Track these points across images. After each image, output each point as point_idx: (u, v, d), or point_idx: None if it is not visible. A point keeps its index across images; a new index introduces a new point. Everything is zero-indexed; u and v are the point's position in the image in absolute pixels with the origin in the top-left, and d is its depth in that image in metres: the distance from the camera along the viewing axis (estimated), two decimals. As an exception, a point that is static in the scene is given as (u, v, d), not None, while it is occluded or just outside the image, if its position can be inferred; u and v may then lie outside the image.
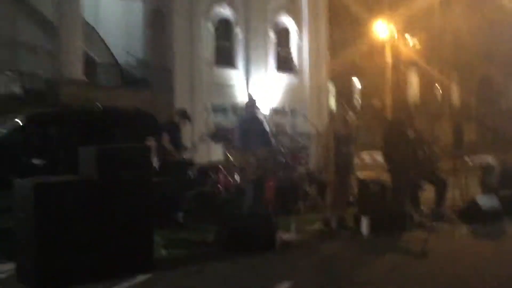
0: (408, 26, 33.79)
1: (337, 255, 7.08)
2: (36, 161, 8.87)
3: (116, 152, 5.98)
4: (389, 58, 33.69)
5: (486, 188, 10.55)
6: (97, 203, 5.68)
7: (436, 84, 33.20)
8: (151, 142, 8.97)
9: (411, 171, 9.30)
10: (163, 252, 6.81)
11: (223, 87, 22.38)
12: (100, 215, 5.69)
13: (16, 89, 17.53)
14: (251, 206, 8.15)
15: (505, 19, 31.98)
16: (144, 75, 22.01)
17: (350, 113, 8.88)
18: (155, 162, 8.43)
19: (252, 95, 9.37)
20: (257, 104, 8.69)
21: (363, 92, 36.44)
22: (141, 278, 5.77)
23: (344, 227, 8.33)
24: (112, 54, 21.47)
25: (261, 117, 8.73)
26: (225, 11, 22.71)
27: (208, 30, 22.09)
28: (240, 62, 23.00)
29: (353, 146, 8.59)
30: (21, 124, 9.35)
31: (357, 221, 8.22)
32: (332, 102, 34.87)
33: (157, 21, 22.19)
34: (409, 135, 9.37)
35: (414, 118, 10.26)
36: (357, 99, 36.48)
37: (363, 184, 10.20)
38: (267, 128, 8.73)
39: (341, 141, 8.41)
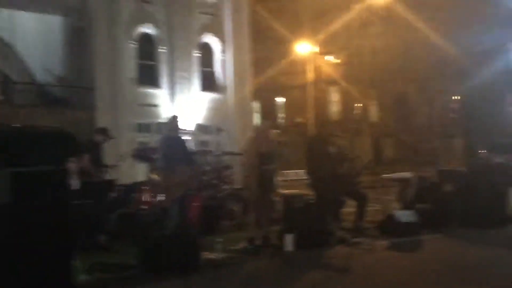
0: (329, 46, 34.88)
1: (261, 273, 7.11)
2: None
3: (30, 175, 5.74)
4: (311, 77, 34.56)
5: (404, 203, 10.92)
6: (9, 227, 5.43)
7: (356, 102, 34.27)
8: (72, 164, 8.71)
9: (333, 187, 9.53)
10: (85, 277, 6.59)
11: (147, 107, 22.11)
12: (16, 241, 5.44)
13: None
14: (175, 226, 8.04)
15: (417, 39, 33.59)
16: (64, 94, 21.39)
17: (273, 130, 9.00)
18: (76, 184, 8.16)
19: (175, 115, 9.27)
20: (179, 124, 8.61)
21: (286, 109, 37.08)
22: (60, 305, 5.55)
23: (268, 245, 8.38)
24: (29, 72, 20.73)
25: (183, 136, 8.67)
26: (149, 30, 22.53)
27: (131, 49, 21.80)
28: (164, 81, 22.83)
29: (276, 163, 8.68)
30: None
31: (282, 238, 8.29)
32: (257, 120, 35.29)
33: (78, 38, 21.69)
34: (329, 151, 9.62)
35: (335, 134, 10.56)
36: (281, 117, 37.08)
37: (287, 200, 10.35)
38: (190, 147, 8.70)
39: (264, 158, 8.50)
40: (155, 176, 8.72)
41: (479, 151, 15.69)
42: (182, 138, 8.62)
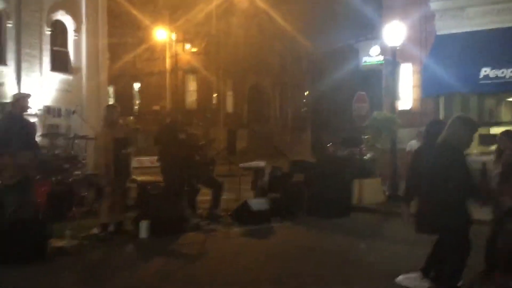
0: (188, 34, 34.80)
1: (112, 260, 6.90)
2: None
3: None
4: (168, 64, 34.26)
5: (257, 191, 11.25)
6: None
7: (213, 92, 34.61)
8: None
9: (181, 173, 9.57)
10: None
11: (-10, 84, 20.40)
12: None
13: None
14: (14, 212, 7.38)
15: (275, 32, 34.72)
16: None
17: (129, 117, 8.77)
18: None
19: (25, 93, 8.59)
20: (28, 103, 7.93)
21: (143, 96, 36.43)
22: None
23: (122, 231, 8.17)
24: None
25: (26, 118, 7.98)
26: (-6, 2, 20.78)
27: (-27, 21, 19.99)
28: (11, 58, 21.20)
29: (131, 149, 8.45)
30: None
31: (136, 225, 8.13)
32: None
33: None
34: (179, 137, 9.65)
35: (188, 122, 10.62)
36: (136, 103, 36.35)
37: (141, 187, 10.21)
38: (34, 130, 8.09)
39: (119, 144, 8.24)
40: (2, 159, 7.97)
41: (327, 145, 16.59)
42: (24, 118, 7.92)
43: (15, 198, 7.35)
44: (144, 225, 7.97)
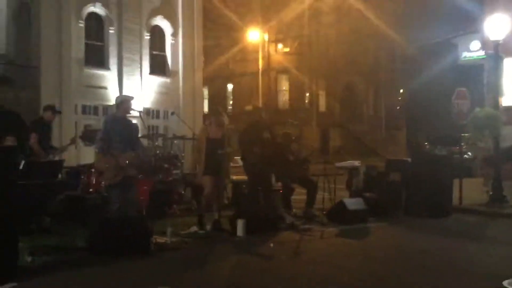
0: (280, 34, 34.99)
1: (211, 257, 7.07)
2: None
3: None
4: (261, 64, 34.61)
5: (353, 191, 11.11)
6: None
7: (305, 92, 34.56)
8: (9, 141, 8.38)
9: (265, 172, 9.63)
10: (29, 259, 6.37)
11: (94, 88, 21.54)
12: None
13: None
14: (117, 210, 7.76)
15: (368, 30, 34.09)
16: (7, 72, 20.55)
17: (224, 117, 8.95)
18: (21, 164, 7.87)
19: (129, 95, 8.99)
20: (131, 105, 8.32)
21: (236, 97, 37.03)
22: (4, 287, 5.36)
23: (219, 229, 8.35)
24: (-30, 48, 19.84)
25: (129, 119, 8.35)
26: (98, 9, 21.91)
27: (78, 28, 21.16)
28: (113, 63, 22.30)
29: (227, 149, 8.61)
30: None
31: (233, 223, 8.28)
32: (206, 106, 35.11)
33: (23, 14, 20.87)
34: (264, 137, 9.70)
35: (278, 122, 10.65)
36: (230, 104, 37.03)
37: (237, 186, 10.38)
38: (136, 131, 8.45)
39: (214, 144, 8.44)
40: (100, 159, 8.39)
41: (424, 143, 16.09)
42: (129, 120, 8.30)
43: (119, 196, 7.73)
44: (240, 224, 8.10)
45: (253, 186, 9.53)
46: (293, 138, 10.80)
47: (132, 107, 8.23)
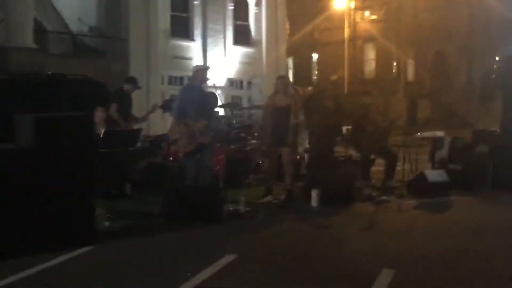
0: (366, 1, 33.92)
1: (282, 227, 7.03)
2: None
3: (54, 120, 5.71)
4: (346, 33, 33.81)
5: (436, 162, 10.68)
6: (32, 172, 5.44)
7: (393, 61, 33.43)
8: (99, 111, 8.71)
9: (328, 142, 9.42)
10: (106, 224, 6.63)
11: (180, 59, 21.96)
12: (36, 186, 5.46)
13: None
14: (193, 177, 7.89)
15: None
16: (98, 44, 21.38)
17: (294, 86, 8.84)
18: (102, 132, 8.17)
19: (205, 65, 9.06)
20: (201, 75, 8.33)
21: (320, 66, 36.51)
22: (81, 250, 5.60)
23: (293, 199, 8.30)
24: (64, 22, 20.73)
25: (206, 88, 8.39)
26: (182, -19, 22.21)
27: (164, 0, 21.56)
28: (197, 34, 22.60)
29: (298, 120, 8.44)
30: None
31: (307, 193, 8.20)
32: (291, 76, 34.91)
33: (112, -12, 21.52)
34: (326, 105, 9.47)
35: (363, 92, 10.36)
36: (315, 74, 36.57)
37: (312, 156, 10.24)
38: (212, 101, 8.47)
39: (279, 112, 8.30)
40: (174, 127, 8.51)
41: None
42: (203, 89, 8.34)
43: (193, 164, 7.87)
44: (315, 194, 8.00)
45: (314, 155, 9.42)
46: (391, 121, 10.47)
47: (207, 76, 8.27)
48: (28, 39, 17.85)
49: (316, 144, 9.25)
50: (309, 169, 9.07)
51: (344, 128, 10.79)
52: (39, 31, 19.47)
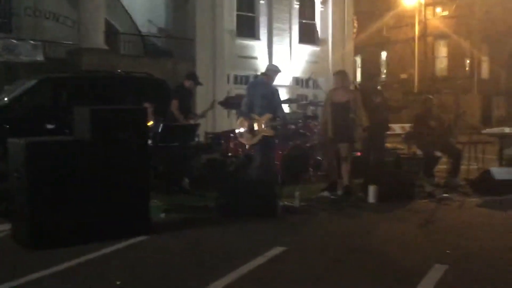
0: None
1: (337, 222, 6.94)
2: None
3: (110, 113, 5.89)
4: (417, 30, 33.00)
5: (503, 160, 10.24)
6: (90, 163, 5.63)
7: (466, 58, 32.30)
8: (148, 106, 8.93)
9: (379, 137, 9.24)
10: (162, 215, 6.78)
11: (245, 59, 22.16)
12: (94, 176, 5.64)
13: (39, 57, 17.65)
14: (256, 173, 8.05)
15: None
16: (166, 45, 21.93)
17: (348, 80, 8.79)
18: (157, 126, 8.36)
19: (270, 65, 9.16)
20: (277, 73, 8.50)
21: (389, 64, 35.82)
22: (136, 239, 5.75)
23: (350, 195, 8.19)
24: (134, 23, 21.40)
25: (271, 85, 8.47)
26: (248, -19, 22.40)
27: (230, 0, 21.82)
28: (263, 33, 22.71)
29: (352, 115, 8.31)
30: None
31: (364, 189, 8.07)
32: (359, 75, 34.44)
33: (180, -10, 22.00)
34: (373, 100, 9.25)
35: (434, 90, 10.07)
36: (384, 72, 35.89)
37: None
38: (277, 96, 8.52)
39: (338, 108, 8.22)
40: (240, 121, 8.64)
41: None
42: (270, 84, 8.44)
43: (257, 157, 8.14)
44: (372, 190, 7.86)
45: (364, 150, 9.29)
46: (457, 115, 10.17)
47: (276, 74, 8.38)
48: (99, 40, 18.55)
49: (367, 141, 9.11)
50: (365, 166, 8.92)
51: (407, 126, 10.54)
52: (111, 32, 20.21)
